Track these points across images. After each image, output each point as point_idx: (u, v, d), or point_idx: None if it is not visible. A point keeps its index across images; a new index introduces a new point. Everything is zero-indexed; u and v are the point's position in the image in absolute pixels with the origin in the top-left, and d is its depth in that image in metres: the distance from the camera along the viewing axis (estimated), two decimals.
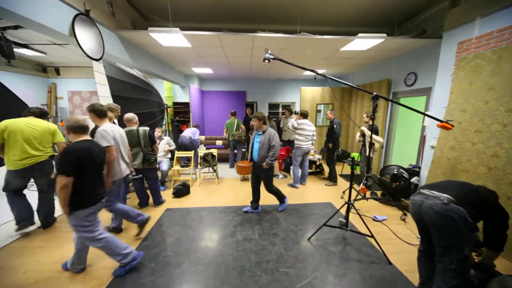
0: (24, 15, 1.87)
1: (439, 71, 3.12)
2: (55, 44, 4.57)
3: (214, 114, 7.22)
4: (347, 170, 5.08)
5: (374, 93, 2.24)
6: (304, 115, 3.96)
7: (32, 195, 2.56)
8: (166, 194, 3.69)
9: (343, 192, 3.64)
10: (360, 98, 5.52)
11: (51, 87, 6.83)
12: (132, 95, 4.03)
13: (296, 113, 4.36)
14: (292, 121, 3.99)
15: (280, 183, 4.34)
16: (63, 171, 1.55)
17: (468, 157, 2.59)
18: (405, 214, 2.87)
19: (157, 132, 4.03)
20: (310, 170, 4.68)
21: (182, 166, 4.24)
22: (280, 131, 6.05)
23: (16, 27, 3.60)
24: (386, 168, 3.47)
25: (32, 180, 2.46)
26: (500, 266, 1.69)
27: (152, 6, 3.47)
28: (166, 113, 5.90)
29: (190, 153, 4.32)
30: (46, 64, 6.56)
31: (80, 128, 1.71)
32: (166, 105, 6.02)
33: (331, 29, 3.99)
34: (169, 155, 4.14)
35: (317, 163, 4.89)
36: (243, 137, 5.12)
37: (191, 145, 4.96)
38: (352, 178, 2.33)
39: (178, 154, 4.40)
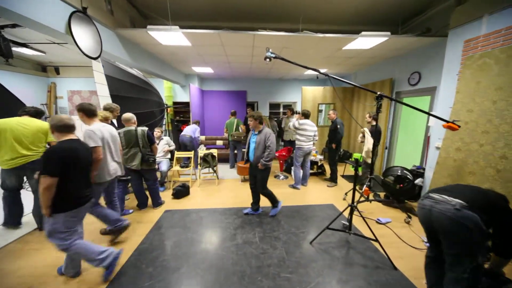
0: (18, 12, 1.82)
1: (444, 70, 3.05)
2: (54, 43, 4.52)
3: (215, 114, 7.16)
4: (349, 171, 5.01)
5: (378, 93, 2.18)
6: (305, 115, 3.89)
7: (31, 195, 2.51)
8: (166, 195, 3.64)
9: (346, 194, 3.57)
10: (362, 98, 5.44)
11: (50, 86, 6.79)
12: (132, 95, 3.97)
13: (297, 113, 4.30)
14: (294, 120, 3.92)
15: (281, 184, 4.28)
16: (47, 172, 1.49)
17: (475, 158, 2.52)
18: (410, 217, 2.80)
19: (157, 132, 3.97)
20: (311, 171, 4.62)
21: (182, 167, 4.19)
22: (281, 131, 5.99)
23: (14, 26, 3.54)
24: (389, 169, 3.39)
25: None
26: (510, 274, 1.63)
27: (151, 4, 3.41)
28: (166, 113, 5.85)
29: (190, 153, 4.26)
30: (45, 64, 6.53)
31: (65, 127, 1.64)
32: (166, 104, 5.96)
33: (333, 28, 3.92)
34: (169, 156, 4.09)
35: (319, 164, 4.82)
36: (242, 137, 5.06)
37: (192, 145, 4.91)
38: (355, 180, 2.26)
39: (177, 154, 4.34)
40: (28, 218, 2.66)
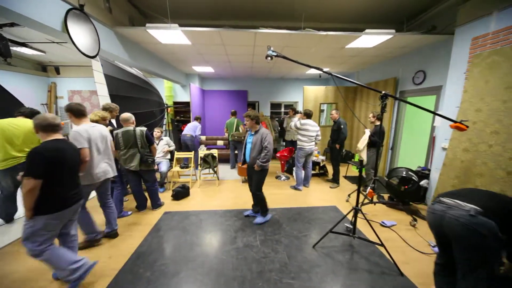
0: (11, 9, 1.76)
1: (451, 68, 2.97)
2: (54, 42, 4.48)
3: (215, 114, 7.10)
4: (351, 171, 4.93)
5: (383, 92, 2.10)
6: (308, 115, 3.82)
7: None
8: (165, 196, 3.58)
9: (349, 195, 3.49)
10: (365, 97, 5.35)
11: (51, 86, 6.76)
12: (132, 94, 3.92)
13: (299, 113, 4.22)
14: (295, 120, 3.84)
15: (282, 185, 4.21)
16: (30, 173, 1.41)
17: (484, 159, 2.44)
18: (415, 220, 2.72)
19: (157, 132, 3.92)
20: (313, 172, 4.54)
21: (182, 167, 4.13)
22: (283, 131, 5.92)
23: (12, 25, 3.50)
24: (393, 170, 3.31)
25: None
26: None
27: (150, 2, 3.36)
28: (166, 113, 5.80)
29: (190, 154, 4.21)
30: (46, 63, 6.50)
31: (49, 126, 1.56)
32: (167, 104, 5.92)
33: (336, 26, 3.84)
34: (169, 156, 4.03)
35: (321, 164, 4.74)
36: (243, 138, 5.00)
37: (193, 144, 4.87)
38: (360, 182, 2.18)
39: (177, 154, 4.29)
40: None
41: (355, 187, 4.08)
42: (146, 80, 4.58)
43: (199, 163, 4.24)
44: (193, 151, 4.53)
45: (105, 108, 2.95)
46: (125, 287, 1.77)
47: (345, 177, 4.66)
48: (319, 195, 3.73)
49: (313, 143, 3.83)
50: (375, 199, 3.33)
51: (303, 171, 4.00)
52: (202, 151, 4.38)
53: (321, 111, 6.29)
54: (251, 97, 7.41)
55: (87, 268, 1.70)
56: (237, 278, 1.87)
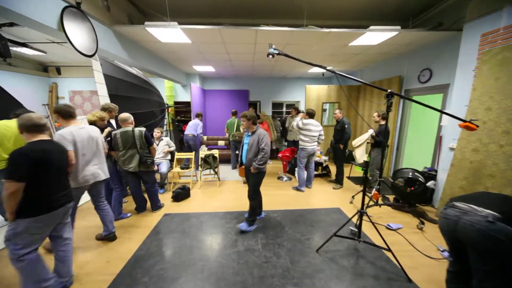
0: (5, 6, 1.71)
1: (459, 66, 2.87)
2: (54, 42, 4.45)
3: (217, 114, 7.04)
4: (355, 172, 4.84)
5: (389, 90, 2.02)
6: (310, 114, 3.73)
7: None
8: (166, 197, 3.52)
9: (353, 197, 3.40)
10: (368, 96, 5.25)
11: (52, 86, 6.75)
12: (131, 94, 3.88)
13: (302, 112, 4.14)
14: (297, 120, 3.76)
15: (284, 186, 4.14)
16: (12, 176, 1.34)
17: (495, 160, 2.34)
18: (422, 223, 2.63)
19: (156, 132, 3.86)
20: (316, 172, 4.46)
21: (182, 168, 4.07)
22: (285, 130, 5.84)
23: (11, 24, 3.47)
24: (399, 171, 3.22)
25: None
26: None
27: (149, 0, 3.30)
28: (167, 113, 5.75)
29: (191, 154, 4.15)
30: (47, 64, 6.49)
31: (34, 127, 1.50)
32: (167, 104, 5.87)
33: (339, 23, 3.75)
34: (169, 157, 3.98)
35: (324, 165, 4.66)
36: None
37: (195, 144, 4.82)
38: (365, 184, 2.10)
39: (178, 155, 4.23)
40: None
41: (358, 188, 4.00)
42: (146, 80, 4.53)
43: (199, 163, 4.18)
44: (193, 152, 4.47)
45: (104, 108, 2.90)
46: None
47: (349, 177, 4.57)
48: (322, 196, 3.65)
49: (316, 143, 3.75)
50: (380, 201, 3.24)
51: (305, 172, 3.92)
52: (203, 151, 4.32)
53: (324, 110, 6.20)
54: (253, 97, 7.34)
55: None
56: (237, 283, 1.80)
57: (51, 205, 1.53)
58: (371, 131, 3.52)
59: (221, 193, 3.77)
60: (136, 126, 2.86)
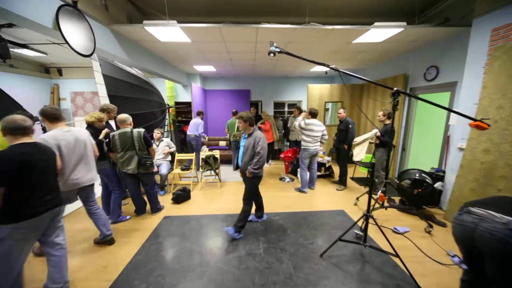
0: None
1: (467, 63, 2.76)
2: (55, 43, 4.43)
3: (218, 114, 6.98)
4: (358, 172, 4.73)
5: (395, 89, 1.93)
6: (313, 114, 3.64)
7: None
8: (166, 199, 3.47)
9: (357, 199, 3.31)
10: (372, 95, 5.14)
11: (53, 88, 6.76)
12: (131, 95, 3.83)
13: (303, 111, 4.06)
14: (300, 119, 3.67)
15: (286, 187, 4.05)
16: None
17: (507, 161, 2.24)
18: (431, 226, 2.52)
19: (156, 133, 3.81)
20: (319, 173, 4.37)
21: (182, 169, 4.01)
22: (287, 130, 5.76)
23: (10, 25, 3.45)
24: (405, 172, 3.12)
25: None
26: None
27: None
28: (168, 113, 5.71)
29: (192, 155, 4.09)
30: (48, 65, 6.50)
31: (17, 129, 1.43)
32: (168, 105, 5.83)
33: (342, 21, 3.66)
34: (169, 158, 3.92)
35: (326, 165, 4.57)
36: None
37: (197, 144, 4.79)
38: (371, 187, 2.01)
39: (178, 156, 4.18)
40: None
41: (362, 189, 3.90)
42: (147, 80, 4.49)
43: (200, 164, 4.12)
44: (194, 153, 4.42)
45: (102, 109, 2.85)
46: None
47: (352, 178, 4.47)
48: (325, 198, 3.56)
49: (318, 143, 3.66)
50: (386, 203, 3.14)
51: (308, 173, 3.83)
52: (204, 152, 4.26)
53: (326, 110, 6.10)
54: (254, 97, 7.27)
55: None
56: None
57: (35, 210, 1.46)
58: (375, 131, 3.42)
59: (222, 195, 3.70)
60: (136, 127, 2.81)
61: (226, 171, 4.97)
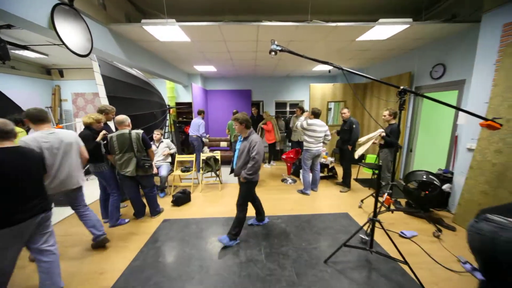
0: None
1: (477, 60, 2.65)
2: (55, 44, 4.40)
3: (219, 114, 6.92)
4: (362, 173, 4.63)
5: (402, 87, 1.85)
6: (315, 114, 3.55)
7: None
8: (166, 201, 3.41)
9: (362, 201, 3.21)
10: (375, 94, 5.03)
11: (55, 89, 6.76)
12: (131, 96, 3.78)
13: (306, 111, 3.97)
14: (302, 119, 3.58)
15: (289, 189, 3.97)
16: None
17: None
18: (439, 230, 2.42)
19: (156, 134, 3.76)
20: (321, 174, 4.28)
21: (183, 171, 3.95)
22: (289, 131, 5.67)
23: (9, 26, 3.42)
24: (412, 173, 3.02)
25: None
26: None
27: None
28: (168, 114, 5.66)
29: (192, 157, 4.03)
30: (49, 66, 6.49)
31: None
32: (168, 105, 5.78)
33: (345, 18, 3.56)
34: (169, 159, 3.86)
35: (330, 166, 4.47)
36: None
37: (199, 145, 4.74)
38: (378, 190, 1.92)
39: (179, 157, 4.12)
40: None
41: (367, 190, 3.81)
42: (147, 81, 4.44)
43: (201, 166, 4.05)
44: (194, 154, 4.35)
45: (100, 110, 2.81)
46: None
47: (356, 179, 4.37)
48: (328, 200, 3.47)
49: (321, 144, 3.57)
50: (392, 206, 3.04)
51: (310, 174, 3.74)
52: (204, 153, 4.20)
53: (329, 109, 6.00)
54: (255, 97, 7.19)
55: None
56: None
57: (13, 218, 1.38)
58: (380, 131, 3.32)
59: (222, 197, 3.63)
60: (136, 128, 2.75)
61: (227, 172, 4.88)
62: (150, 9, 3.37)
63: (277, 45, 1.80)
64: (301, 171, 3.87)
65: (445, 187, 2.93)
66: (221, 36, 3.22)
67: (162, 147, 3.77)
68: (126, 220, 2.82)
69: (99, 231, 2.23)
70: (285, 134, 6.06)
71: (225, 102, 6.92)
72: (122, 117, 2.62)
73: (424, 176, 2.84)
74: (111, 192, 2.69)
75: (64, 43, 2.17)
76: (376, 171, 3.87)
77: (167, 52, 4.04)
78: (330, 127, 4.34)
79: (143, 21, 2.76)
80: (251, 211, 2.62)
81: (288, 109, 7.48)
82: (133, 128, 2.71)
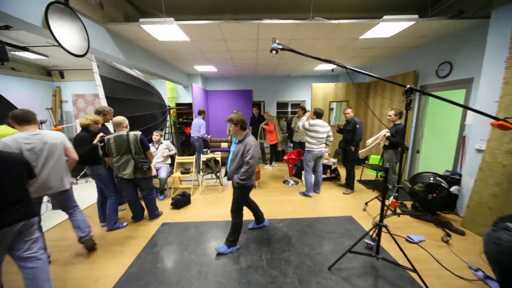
0: None
1: (486, 57, 2.55)
2: (55, 45, 4.35)
3: (219, 115, 6.86)
4: (366, 174, 4.53)
5: (408, 86, 1.76)
6: (318, 114, 3.47)
7: None
8: (165, 204, 3.34)
9: (366, 204, 3.12)
10: (379, 93, 4.92)
11: (55, 90, 6.74)
12: (130, 96, 3.73)
13: (308, 111, 3.88)
14: (304, 119, 3.50)
15: (291, 191, 3.89)
16: None
17: None
18: (448, 235, 2.33)
19: (155, 135, 3.70)
20: (324, 176, 4.19)
21: (182, 173, 3.89)
22: (291, 131, 5.59)
23: (7, 27, 3.39)
24: (418, 175, 2.92)
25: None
26: None
27: None
28: (169, 115, 5.61)
29: (192, 158, 3.96)
30: (50, 68, 6.48)
31: None
32: (169, 106, 5.73)
33: (347, 16, 3.47)
34: (169, 161, 3.80)
35: (332, 168, 4.38)
36: None
37: (200, 146, 4.69)
38: (385, 194, 1.84)
39: (178, 159, 4.06)
40: None
41: (371, 192, 3.71)
42: (147, 82, 4.39)
43: (201, 168, 3.99)
44: (194, 155, 4.29)
45: (98, 111, 2.75)
46: None
47: (359, 181, 4.27)
48: (331, 202, 3.38)
49: (323, 145, 3.48)
50: (398, 210, 2.94)
51: (313, 176, 3.66)
52: (205, 155, 4.13)
53: (331, 109, 5.91)
54: (256, 97, 7.12)
55: None
56: None
57: None
58: (385, 131, 3.22)
59: (223, 200, 3.56)
60: (136, 129, 2.69)
61: None
62: (148, 9, 3.31)
63: (278, 44, 1.73)
64: (303, 172, 3.79)
65: (453, 189, 2.83)
66: (220, 35, 3.15)
67: (162, 149, 3.71)
68: (125, 224, 2.75)
69: (83, 232, 2.17)
70: (287, 134, 5.97)
71: (226, 103, 6.86)
72: (120, 118, 2.56)
73: (431, 178, 2.75)
74: (109, 195, 2.63)
75: (59, 43, 2.11)
76: (381, 173, 3.80)
77: (166, 52, 3.99)
78: (332, 128, 4.26)
79: (141, 20, 2.70)
80: (250, 214, 2.56)
81: (289, 109, 7.40)
82: (132, 129, 2.66)
